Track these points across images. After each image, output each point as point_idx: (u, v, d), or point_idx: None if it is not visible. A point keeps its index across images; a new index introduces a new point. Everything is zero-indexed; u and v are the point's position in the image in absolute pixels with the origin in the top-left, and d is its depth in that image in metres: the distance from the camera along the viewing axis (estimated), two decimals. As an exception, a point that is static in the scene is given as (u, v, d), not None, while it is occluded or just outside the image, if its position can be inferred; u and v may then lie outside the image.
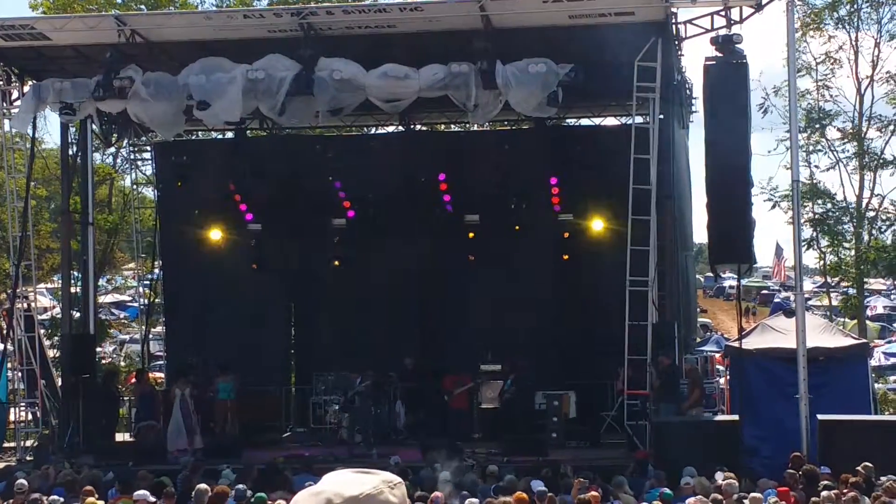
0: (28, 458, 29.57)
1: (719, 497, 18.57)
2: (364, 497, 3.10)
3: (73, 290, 33.69)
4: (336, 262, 34.35)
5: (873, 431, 24.33)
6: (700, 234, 34.19)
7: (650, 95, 28.05)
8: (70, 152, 33.29)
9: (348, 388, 31.25)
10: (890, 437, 24.03)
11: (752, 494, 18.89)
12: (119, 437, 32.91)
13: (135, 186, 40.17)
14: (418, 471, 23.95)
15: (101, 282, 46.81)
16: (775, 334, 28.41)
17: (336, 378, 32.64)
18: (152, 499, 19.55)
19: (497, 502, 17.73)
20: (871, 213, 42.77)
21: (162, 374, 39.45)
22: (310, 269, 35.17)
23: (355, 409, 30.82)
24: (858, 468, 20.39)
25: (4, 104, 30.74)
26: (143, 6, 42.82)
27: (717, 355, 37.60)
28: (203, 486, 19.99)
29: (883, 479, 19.78)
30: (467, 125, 35.46)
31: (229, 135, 36.64)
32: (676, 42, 28.42)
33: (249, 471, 23.61)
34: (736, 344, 28.95)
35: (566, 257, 33.66)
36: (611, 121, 36.05)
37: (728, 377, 30.56)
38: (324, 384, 33.04)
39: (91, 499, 19.53)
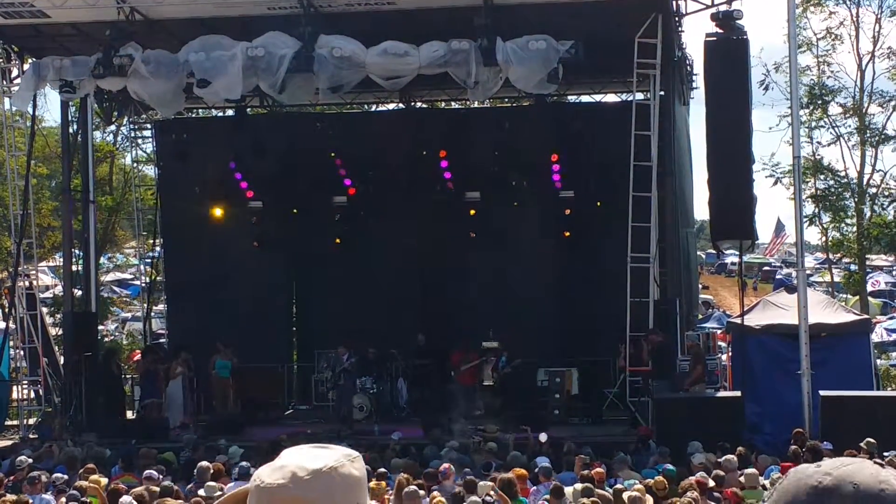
0: (31, 435, 29.61)
1: (721, 473, 18.59)
2: (328, 469, 3.12)
3: (74, 268, 33.72)
4: (337, 240, 34.38)
5: (876, 407, 24.34)
6: (701, 210, 34.23)
7: (651, 72, 28.01)
8: (70, 130, 33.26)
9: (336, 365, 31.41)
10: (892, 412, 24.05)
11: (748, 470, 18.91)
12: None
13: (135, 164, 40.15)
14: (422, 448, 24.02)
15: (103, 260, 46.83)
16: (777, 310, 28.42)
17: (326, 355, 32.81)
18: (159, 478, 19.58)
19: (503, 477, 17.73)
20: (873, 189, 42.75)
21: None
22: (311, 247, 35.18)
23: (340, 387, 30.95)
24: (861, 444, 20.40)
25: (4, 82, 30.71)
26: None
27: (720, 332, 37.60)
28: (205, 463, 20.03)
29: (887, 454, 19.80)
30: (467, 102, 35.39)
31: (230, 112, 36.63)
32: (677, 18, 28.36)
33: (256, 448, 23.64)
34: (738, 320, 28.96)
35: (567, 234, 33.66)
36: (611, 97, 36.04)
37: (730, 354, 30.57)
38: (325, 361, 33.12)
39: (94, 476, 19.53)
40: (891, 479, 2.66)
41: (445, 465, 19.55)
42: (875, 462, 2.81)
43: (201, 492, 17.97)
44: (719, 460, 20.04)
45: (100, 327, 39.17)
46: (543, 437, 24.06)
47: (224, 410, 31.43)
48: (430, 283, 34.47)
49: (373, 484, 18.17)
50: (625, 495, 16.87)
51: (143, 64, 26.88)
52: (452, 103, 38.53)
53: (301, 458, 3.16)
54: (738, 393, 26.46)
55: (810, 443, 21.49)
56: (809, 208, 41.16)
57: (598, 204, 32.60)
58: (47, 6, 28.15)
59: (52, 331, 36.45)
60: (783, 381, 26.20)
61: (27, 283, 32.49)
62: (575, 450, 22.14)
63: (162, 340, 37.72)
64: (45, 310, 36.06)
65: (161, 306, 40.60)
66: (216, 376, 31.63)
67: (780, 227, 59.28)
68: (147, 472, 19.89)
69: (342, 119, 38.02)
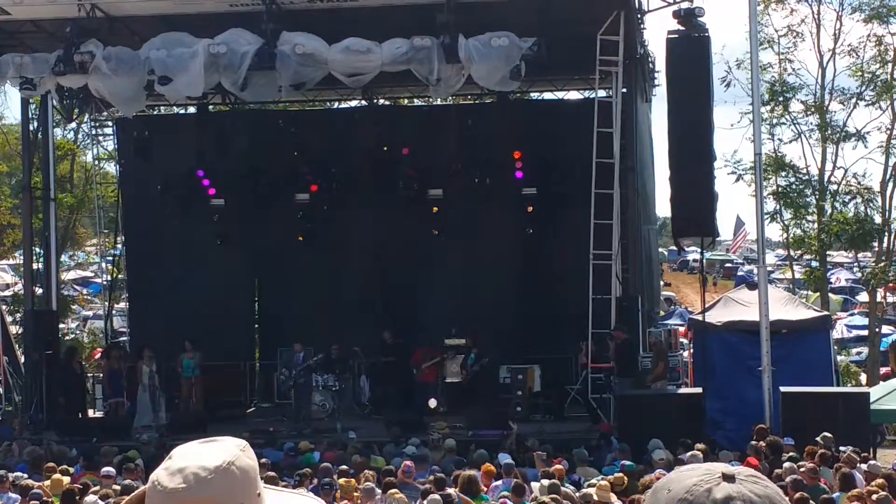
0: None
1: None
2: (226, 465, 3.12)
3: (35, 266, 33.54)
4: (300, 237, 34.33)
5: (836, 403, 24.47)
6: (663, 207, 34.33)
7: (613, 69, 28.09)
8: (31, 128, 33.13)
9: (292, 362, 31.44)
10: (852, 408, 24.21)
11: (706, 465, 18.95)
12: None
13: (97, 162, 39.99)
14: (383, 445, 24.02)
15: (64, 258, 46.59)
16: (738, 307, 28.56)
17: (282, 352, 32.83)
18: (114, 474, 19.52)
19: (464, 475, 17.74)
20: (834, 186, 42.96)
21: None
22: (273, 244, 35.09)
23: (299, 385, 30.93)
24: (818, 438, 20.54)
25: (-36, 80, 30.51)
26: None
27: (682, 328, 37.75)
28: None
29: (843, 449, 19.93)
30: (430, 99, 35.39)
31: (191, 109, 36.49)
32: (639, 15, 28.44)
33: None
34: (699, 317, 29.07)
35: (530, 231, 33.68)
36: (574, 94, 36.06)
37: (692, 350, 30.69)
38: (282, 359, 33.09)
39: (56, 475, 19.47)
40: (699, 491, 2.75)
41: (407, 462, 19.56)
42: (735, 466, 2.90)
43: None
44: (681, 457, 20.11)
45: (61, 326, 39.01)
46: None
47: (187, 409, 31.35)
48: (393, 280, 34.43)
49: (342, 482, 18.20)
50: (589, 491, 16.92)
51: (105, 61, 26.77)
52: (415, 100, 38.51)
53: (197, 457, 3.14)
54: (700, 389, 26.58)
55: (770, 438, 21.61)
56: (771, 205, 41.37)
57: (561, 201, 32.60)
58: (7, 3, 27.97)
59: (13, 329, 36.27)
60: (744, 377, 26.32)
61: (-13, 282, 32.35)
62: (537, 446, 22.21)
63: (123, 339, 37.55)
64: (5, 308, 35.92)
65: (122, 304, 40.45)
66: (183, 376, 31.57)
67: (739, 225, 59.49)
68: (104, 469, 19.81)
69: (305, 116, 37.96)
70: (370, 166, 33.42)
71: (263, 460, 20.31)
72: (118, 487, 18.00)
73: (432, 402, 26.33)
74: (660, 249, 52.22)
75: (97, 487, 18.17)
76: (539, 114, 34.70)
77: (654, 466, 19.85)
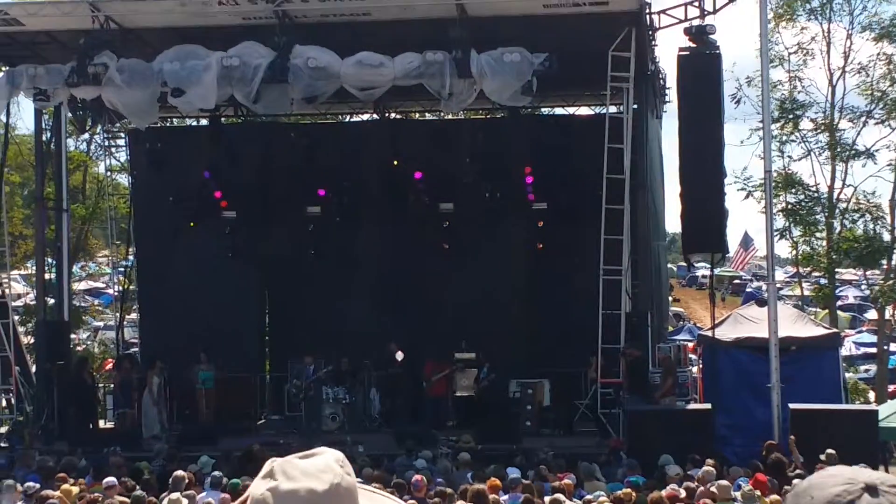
0: (2, 444, 29.53)
1: (692, 485, 18.70)
2: (334, 487, 3.07)
3: (47, 276, 33.65)
4: (311, 250, 34.40)
5: (844, 420, 24.49)
6: (673, 223, 34.38)
7: (624, 85, 28.14)
8: (44, 138, 33.25)
9: (302, 375, 31.51)
10: (860, 425, 24.23)
11: (719, 482, 19.01)
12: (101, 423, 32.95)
13: (109, 173, 40.08)
14: (393, 458, 24.04)
15: (76, 268, 46.68)
16: (747, 324, 28.57)
17: (292, 365, 32.89)
18: (115, 484, 19.55)
19: (471, 489, 17.77)
20: (843, 204, 42.99)
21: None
22: (284, 257, 35.15)
23: (310, 397, 31.01)
24: (821, 456, 20.57)
25: (-22, 90, 30.62)
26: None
27: (691, 344, 37.76)
28: (180, 472, 20.03)
29: (853, 467, 19.92)
30: (442, 114, 35.47)
31: (204, 122, 36.60)
32: (650, 32, 28.53)
33: (227, 457, 23.64)
34: (709, 333, 29.09)
35: (541, 246, 33.73)
36: (585, 110, 36.15)
37: (701, 366, 30.72)
38: (293, 371, 33.13)
39: (66, 485, 19.52)
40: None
41: (417, 476, 19.59)
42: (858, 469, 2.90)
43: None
44: (690, 472, 20.14)
45: (72, 336, 39.09)
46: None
47: (197, 420, 31.41)
48: (403, 293, 34.45)
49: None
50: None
51: (118, 73, 26.90)
52: (427, 114, 38.59)
53: (306, 479, 3.08)
54: (709, 405, 26.60)
55: (774, 455, 21.60)
56: (780, 222, 41.41)
57: (572, 216, 32.63)
58: (22, 14, 28.16)
59: (25, 339, 36.35)
60: (753, 394, 26.35)
61: (0, 292, 32.42)
62: (546, 461, 22.24)
63: (134, 350, 37.62)
64: (17, 318, 35.93)
65: (134, 315, 40.52)
66: (197, 387, 31.65)
67: (747, 241, 59.46)
68: (106, 480, 19.85)
69: (316, 129, 38.02)
70: (381, 180, 33.50)
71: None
72: (122, 499, 18.05)
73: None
74: (669, 265, 52.26)
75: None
76: (550, 129, 34.75)
77: (667, 482, 19.91)
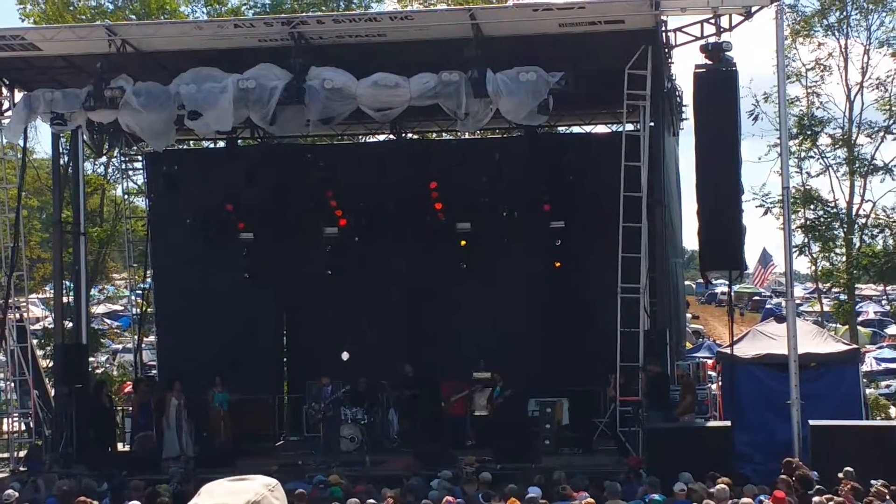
0: (21, 468, 29.55)
1: (711, 503, 18.62)
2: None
3: (65, 299, 33.68)
4: (328, 271, 34.42)
5: (865, 436, 24.38)
6: (690, 240, 34.28)
7: (640, 103, 28.10)
8: (61, 162, 33.35)
9: (320, 396, 31.51)
10: (881, 441, 24.11)
11: (743, 500, 18.93)
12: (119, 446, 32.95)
13: (126, 196, 40.15)
14: (410, 479, 23.99)
15: (93, 291, 46.74)
16: (767, 340, 28.49)
17: (310, 386, 32.88)
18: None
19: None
20: (862, 220, 42.89)
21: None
22: (302, 278, 35.22)
23: (328, 418, 31.01)
24: (839, 474, 20.48)
25: (-5, 114, 30.71)
26: (133, 16, 42.85)
27: (710, 361, 37.66)
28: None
29: (874, 482, 19.86)
30: (458, 133, 35.49)
31: (220, 144, 36.67)
32: (666, 50, 28.47)
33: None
34: (727, 350, 29.01)
35: (558, 264, 33.69)
36: (601, 128, 36.11)
37: (720, 383, 30.62)
38: (310, 393, 33.13)
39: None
40: None
41: (448, 498, 19.53)
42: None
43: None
44: (711, 490, 20.06)
45: (90, 359, 39.09)
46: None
47: (216, 442, 31.41)
48: (421, 313, 34.48)
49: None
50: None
51: (135, 96, 26.94)
52: (443, 134, 38.61)
53: (223, 496, 3.16)
54: (728, 423, 26.49)
55: (801, 472, 21.51)
56: (799, 238, 41.33)
57: (589, 234, 32.60)
58: (38, 39, 28.27)
59: (43, 363, 36.43)
60: (773, 411, 26.25)
61: (18, 316, 32.46)
62: (566, 479, 22.16)
63: (152, 372, 37.66)
64: (35, 342, 36.02)
65: (152, 338, 40.56)
66: (214, 408, 31.68)
67: (766, 258, 59.37)
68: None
69: (333, 150, 38.07)
70: (398, 200, 33.50)
71: (299, 491, 20.38)
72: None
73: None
74: (687, 282, 52.16)
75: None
76: (567, 147, 34.77)
77: (675, 497, 19.84)
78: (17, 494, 21.87)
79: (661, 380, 27.59)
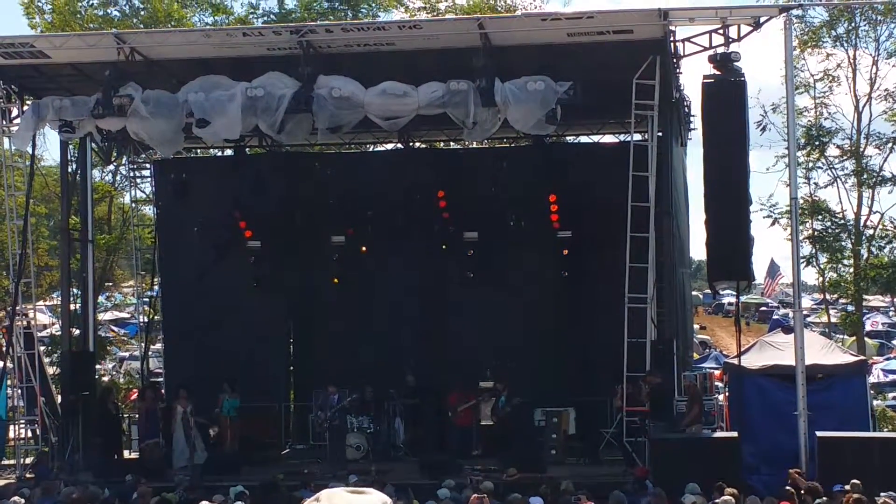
0: (28, 475, 29.53)
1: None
2: None
3: (72, 307, 33.68)
4: (335, 279, 34.43)
5: (872, 448, 24.32)
6: (697, 250, 34.25)
7: (648, 113, 28.10)
8: (69, 170, 33.34)
9: (326, 404, 31.47)
10: (889, 453, 24.04)
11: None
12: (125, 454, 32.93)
13: (134, 204, 40.17)
14: (417, 488, 23.95)
15: (101, 299, 46.76)
16: (774, 351, 28.43)
17: (317, 394, 32.85)
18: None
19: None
20: (870, 231, 42.83)
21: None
22: (309, 286, 35.26)
23: (334, 427, 30.98)
24: (846, 487, 20.42)
25: (4, 122, 30.65)
26: (141, 24, 42.90)
27: (717, 372, 37.63)
28: (205, 503, 20.02)
29: (882, 494, 19.80)
30: (466, 143, 35.49)
31: (228, 152, 36.69)
32: (675, 60, 28.47)
33: (250, 488, 23.59)
34: (735, 361, 28.97)
35: (565, 274, 33.66)
36: (609, 138, 36.09)
37: (727, 394, 30.56)
38: (317, 401, 33.10)
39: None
40: None
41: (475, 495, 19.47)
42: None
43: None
44: (715, 501, 20.02)
45: (97, 367, 39.12)
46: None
47: (222, 450, 31.38)
48: (428, 322, 34.49)
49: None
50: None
51: (143, 104, 26.99)
52: (451, 143, 38.62)
53: None
54: (735, 434, 26.44)
55: (810, 484, 21.47)
56: (807, 249, 41.29)
57: (596, 244, 32.58)
58: (47, 47, 28.32)
59: (50, 370, 36.40)
60: (780, 422, 26.18)
61: (25, 323, 32.47)
62: (572, 490, 22.11)
63: (160, 380, 37.65)
64: (42, 349, 36.01)
65: (159, 345, 40.55)
66: (223, 416, 31.67)
67: (774, 269, 59.32)
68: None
69: (341, 159, 38.09)
70: (405, 209, 33.50)
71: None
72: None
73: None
74: (694, 293, 52.11)
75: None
76: (574, 157, 34.78)
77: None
78: (23, 501, 21.85)
79: (663, 391, 27.54)
